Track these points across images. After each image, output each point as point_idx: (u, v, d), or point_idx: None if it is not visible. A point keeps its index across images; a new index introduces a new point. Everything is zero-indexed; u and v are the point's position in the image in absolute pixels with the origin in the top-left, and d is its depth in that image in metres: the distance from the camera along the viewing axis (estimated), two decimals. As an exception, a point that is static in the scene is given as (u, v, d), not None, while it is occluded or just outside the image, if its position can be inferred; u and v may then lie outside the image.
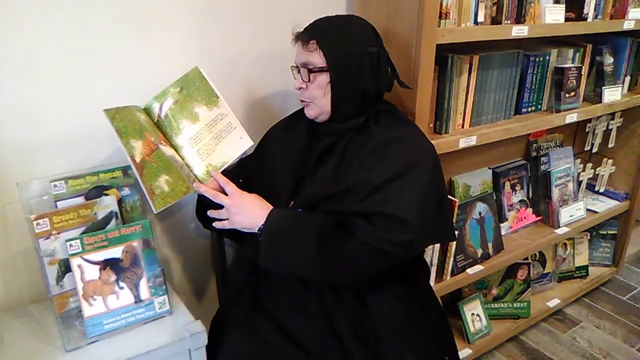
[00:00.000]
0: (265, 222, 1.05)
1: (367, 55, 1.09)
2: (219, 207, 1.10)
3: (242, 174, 1.22)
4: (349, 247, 1.03)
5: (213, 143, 1.12)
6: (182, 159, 1.12)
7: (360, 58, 1.08)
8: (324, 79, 1.09)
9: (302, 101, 1.16)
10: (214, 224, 1.11)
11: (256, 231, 1.06)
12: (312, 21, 1.13)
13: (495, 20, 1.42)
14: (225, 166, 1.11)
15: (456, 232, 1.62)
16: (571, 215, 2.02)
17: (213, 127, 1.12)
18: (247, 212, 1.07)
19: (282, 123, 1.29)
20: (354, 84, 1.09)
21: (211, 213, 1.11)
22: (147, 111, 1.14)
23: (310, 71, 1.09)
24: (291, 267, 1.07)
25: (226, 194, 1.09)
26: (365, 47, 1.09)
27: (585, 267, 2.26)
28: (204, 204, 1.19)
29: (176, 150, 1.12)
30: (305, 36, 1.10)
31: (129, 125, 1.06)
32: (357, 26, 1.13)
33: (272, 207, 1.08)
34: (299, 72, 1.13)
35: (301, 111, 1.28)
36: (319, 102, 1.11)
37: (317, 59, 1.08)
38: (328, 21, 1.13)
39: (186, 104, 1.12)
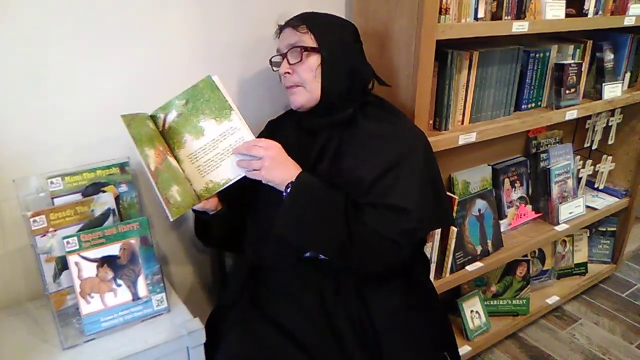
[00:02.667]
0: (296, 179, 1.03)
1: (354, 44, 1.14)
2: (218, 224, 1.16)
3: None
4: (366, 229, 1.02)
5: (218, 159, 1.07)
6: (183, 172, 1.09)
7: (348, 43, 1.13)
8: (314, 61, 1.09)
9: (288, 88, 1.14)
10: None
11: (283, 188, 1.04)
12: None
13: (496, 16, 1.41)
14: (230, 184, 1.07)
15: (455, 228, 1.61)
16: (570, 212, 2.01)
17: (220, 142, 1.07)
18: (284, 166, 1.05)
19: (269, 127, 1.30)
20: (343, 66, 1.11)
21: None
22: (154, 119, 1.10)
23: (303, 49, 1.08)
24: (311, 232, 1.04)
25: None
26: (350, 37, 1.14)
27: (585, 264, 2.26)
28: (202, 223, 1.19)
29: (179, 163, 1.09)
30: (294, 21, 1.11)
31: (142, 133, 1.04)
32: (342, 21, 1.18)
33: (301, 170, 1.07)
34: (283, 58, 1.11)
35: (287, 113, 1.28)
36: (309, 86, 1.10)
37: (309, 40, 1.09)
38: (314, 13, 1.16)
39: (190, 117, 1.07)
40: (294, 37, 1.10)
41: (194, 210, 1.16)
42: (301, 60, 1.09)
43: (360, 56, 1.17)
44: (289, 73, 1.11)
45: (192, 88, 1.07)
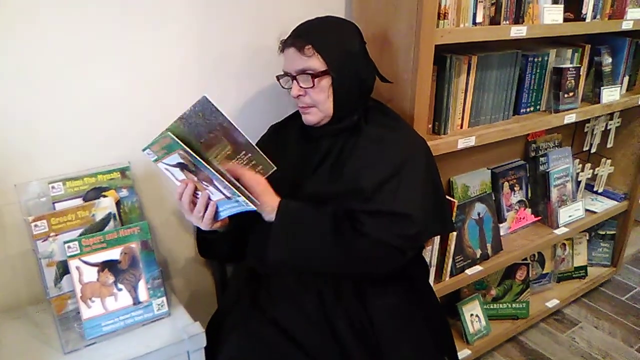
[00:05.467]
0: (278, 209, 1.02)
1: (359, 50, 1.12)
2: (224, 241, 1.16)
3: None
4: (363, 242, 1.03)
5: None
6: None
7: (354, 55, 1.11)
8: (326, 82, 1.08)
9: (302, 108, 1.13)
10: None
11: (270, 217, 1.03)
12: (296, 26, 1.12)
13: (494, 21, 1.42)
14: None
15: (455, 232, 1.62)
16: (570, 216, 2.02)
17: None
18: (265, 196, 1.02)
19: (271, 131, 1.29)
20: (354, 81, 1.11)
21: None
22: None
23: (314, 76, 1.07)
24: (303, 253, 1.04)
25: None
26: (355, 42, 1.12)
27: (584, 268, 2.26)
28: (208, 242, 1.19)
29: None
30: (299, 42, 1.07)
31: None
32: (343, 25, 1.15)
33: (280, 199, 1.04)
34: (293, 79, 1.10)
35: (289, 118, 1.29)
36: (322, 106, 1.10)
37: (317, 63, 1.07)
38: (314, 24, 1.12)
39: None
40: (301, 61, 1.07)
41: (200, 231, 1.15)
42: (313, 85, 1.08)
43: (366, 61, 1.14)
44: (301, 95, 1.10)
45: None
